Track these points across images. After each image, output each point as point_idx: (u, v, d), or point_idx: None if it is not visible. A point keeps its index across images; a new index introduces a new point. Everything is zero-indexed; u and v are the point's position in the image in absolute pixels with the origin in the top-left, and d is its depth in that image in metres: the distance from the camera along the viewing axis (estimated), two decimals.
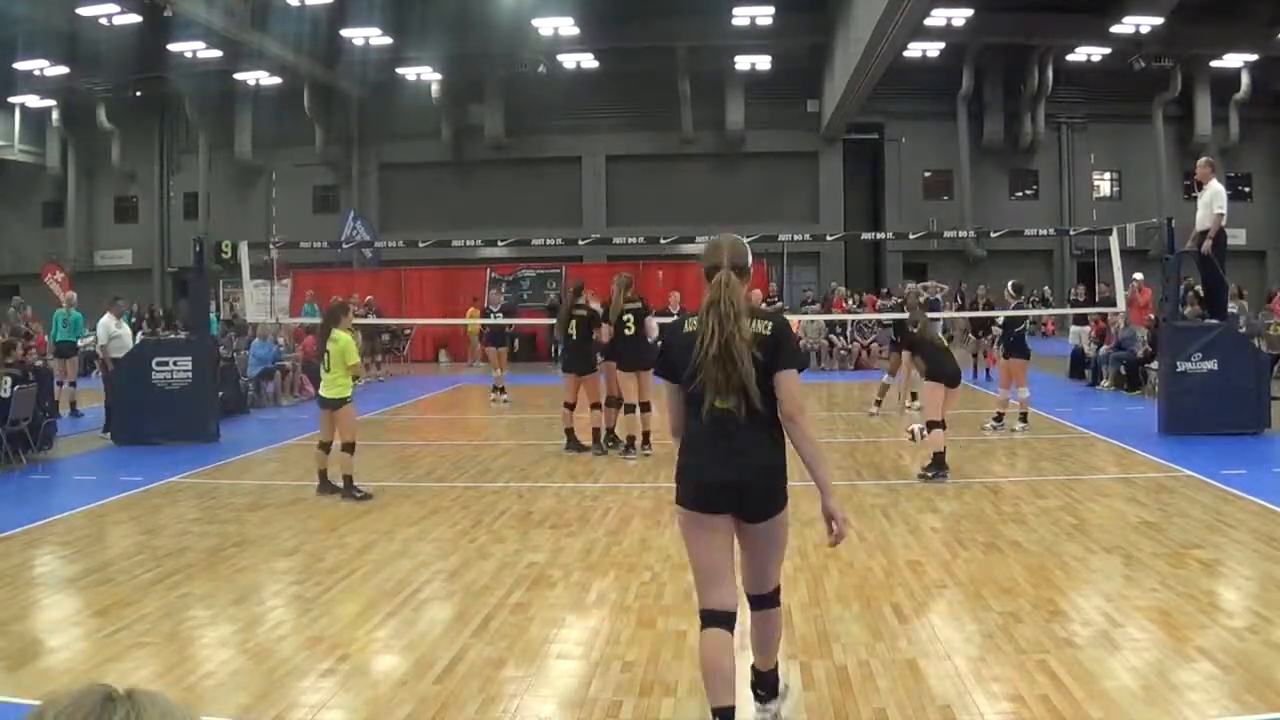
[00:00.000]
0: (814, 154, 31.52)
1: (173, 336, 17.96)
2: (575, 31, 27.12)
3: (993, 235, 20.41)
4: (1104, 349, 16.77)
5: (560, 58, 29.24)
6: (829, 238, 23.61)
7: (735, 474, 3.55)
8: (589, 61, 29.52)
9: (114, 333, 13.68)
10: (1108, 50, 28.20)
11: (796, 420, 3.57)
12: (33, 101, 31.36)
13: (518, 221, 27.31)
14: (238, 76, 29.13)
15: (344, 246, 26.01)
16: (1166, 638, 4.83)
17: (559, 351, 13.11)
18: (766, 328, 3.59)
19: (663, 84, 30.00)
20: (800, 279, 30.18)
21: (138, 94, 31.20)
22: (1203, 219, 11.65)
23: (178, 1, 21.87)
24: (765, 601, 3.82)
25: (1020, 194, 32.39)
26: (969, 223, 28.72)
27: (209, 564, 6.58)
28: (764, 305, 10.89)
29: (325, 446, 8.81)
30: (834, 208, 31.13)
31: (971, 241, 29.20)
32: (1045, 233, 23.82)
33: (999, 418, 12.08)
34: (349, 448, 8.63)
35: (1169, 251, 12.16)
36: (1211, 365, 11.16)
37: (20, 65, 27.50)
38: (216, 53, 26.30)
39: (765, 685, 4.00)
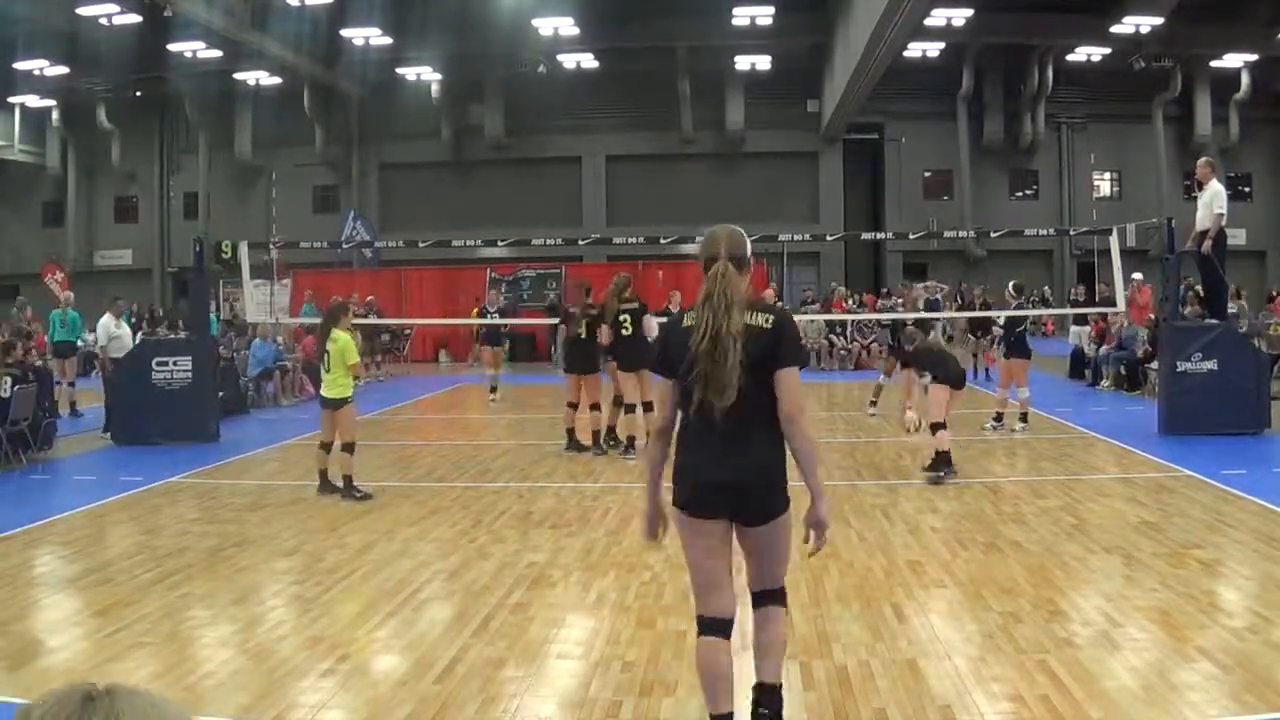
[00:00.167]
0: (814, 154, 31.52)
1: (173, 336, 17.95)
2: (575, 31, 27.12)
3: (993, 235, 20.42)
4: (1104, 349, 16.77)
5: (560, 58, 29.24)
6: (829, 238, 23.61)
7: (732, 474, 3.41)
8: (589, 61, 29.51)
9: (114, 333, 13.69)
10: (1108, 50, 28.19)
11: (796, 421, 3.42)
12: (33, 101, 31.36)
13: (518, 221, 27.30)
14: (238, 76, 29.13)
15: (344, 246, 26.01)
16: (1166, 638, 4.83)
17: (558, 351, 13.10)
18: (767, 321, 3.45)
19: (663, 84, 30.00)
20: (800, 279, 30.18)
21: (138, 94, 31.20)
22: (1203, 219, 11.65)
23: (178, 1, 21.87)
24: (769, 598, 3.64)
25: (1020, 194, 32.39)
26: (969, 223, 28.72)
27: (209, 564, 6.58)
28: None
29: (326, 446, 8.81)
30: (834, 208, 31.13)
31: (971, 241, 29.19)
32: (1045, 233, 23.83)
33: (999, 417, 12.08)
34: (349, 448, 8.62)
35: (1169, 251, 12.16)
36: (1211, 365, 11.16)
37: (20, 65, 27.49)
38: (216, 53, 26.30)
39: (769, 705, 3.65)
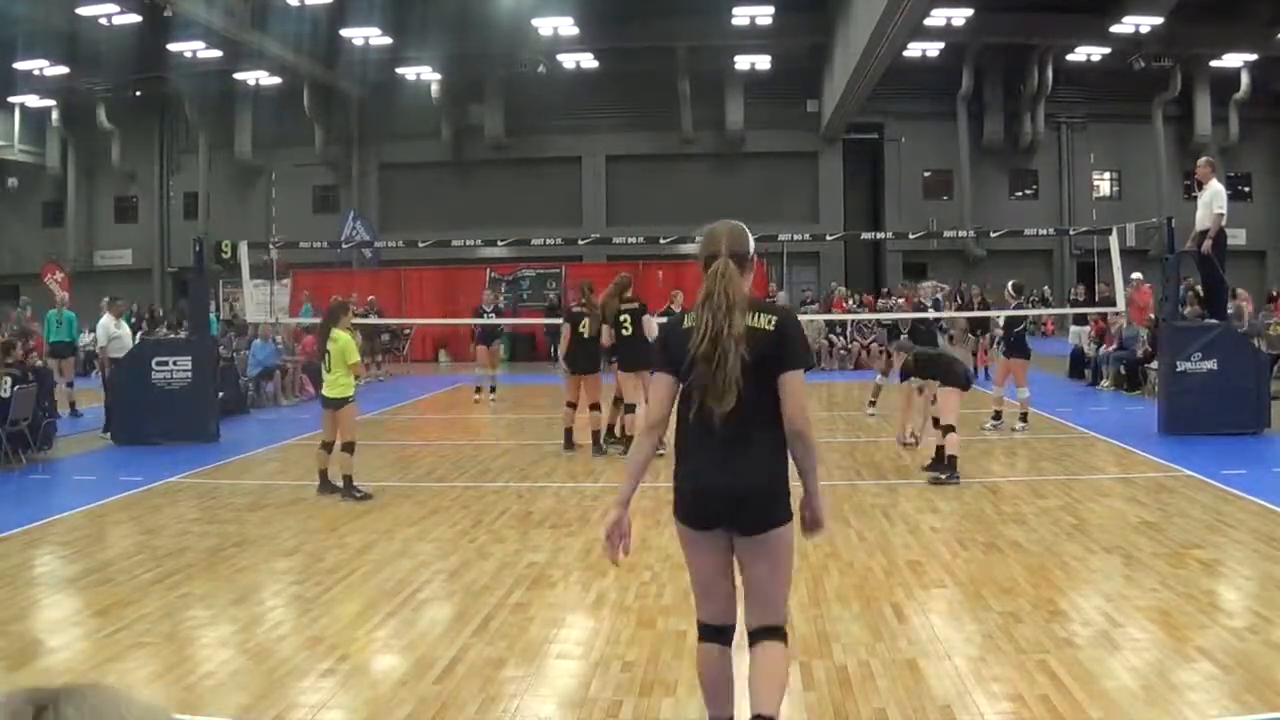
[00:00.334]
0: (814, 154, 31.52)
1: (172, 336, 17.95)
2: (575, 31, 27.11)
3: (992, 235, 20.41)
4: (1104, 349, 16.77)
5: (560, 58, 29.24)
6: (829, 237, 23.61)
7: (730, 481, 3.25)
8: (589, 61, 29.51)
9: (114, 333, 13.69)
10: (1107, 50, 28.19)
11: (801, 428, 3.28)
12: (33, 101, 31.35)
13: (518, 221, 27.28)
14: (238, 76, 29.13)
15: (344, 246, 26.01)
16: (1166, 638, 4.83)
17: (557, 351, 13.09)
18: (770, 322, 3.29)
19: (662, 84, 29.99)
20: (800, 279, 30.19)
21: (138, 94, 31.18)
22: (1203, 219, 11.66)
23: (178, 1, 21.87)
24: (767, 633, 3.36)
25: (1020, 194, 32.39)
26: (969, 222, 28.71)
27: (209, 564, 6.58)
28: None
29: (327, 446, 8.80)
30: (834, 207, 31.12)
31: (971, 241, 29.19)
32: (1045, 233, 23.81)
33: (997, 416, 12.09)
34: (349, 448, 8.62)
35: (1169, 251, 12.17)
36: (1211, 365, 11.17)
37: (20, 65, 27.49)
38: (216, 53, 26.29)
39: None
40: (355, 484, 8.62)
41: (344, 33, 27.06)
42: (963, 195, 30.75)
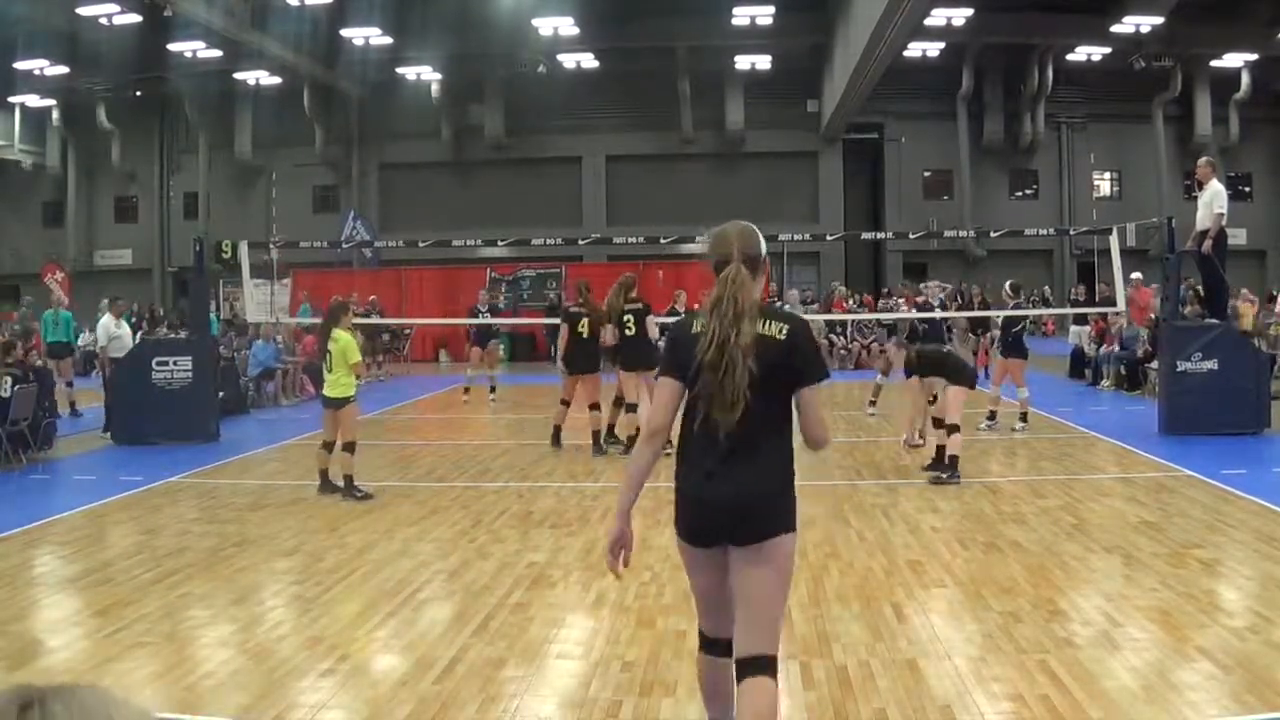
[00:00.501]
0: (814, 154, 31.52)
1: (172, 336, 17.95)
2: (575, 31, 27.11)
3: (993, 235, 20.41)
4: (1104, 349, 16.77)
5: (560, 57, 29.23)
6: (829, 237, 23.61)
7: (734, 491, 3.13)
8: (589, 61, 29.51)
9: (114, 333, 13.68)
10: (1108, 50, 28.19)
11: (821, 442, 3.22)
12: (33, 101, 31.35)
13: (518, 221, 27.28)
14: (238, 76, 29.13)
15: (344, 246, 26.01)
16: (1167, 637, 4.83)
17: (557, 351, 13.08)
18: (780, 331, 3.16)
19: (663, 84, 29.99)
20: (800, 279, 30.17)
21: (138, 94, 31.19)
22: (1203, 219, 11.66)
23: (178, 1, 21.87)
24: (756, 666, 3.15)
25: (1020, 194, 32.40)
26: (969, 222, 28.71)
27: (209, 564, 6.58)
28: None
29: (328, 446, 8.80)
30: (834, 207, 31.12)
31: (971, 241, 29.20)
32: (1045, 232, 23.81)
33: (992, 416, 12.08)
34: (349, 447, 8.62)
35: (1169, 251, 12.16)
36: (1211, 365, 11.16)
37: (20, 65, 27.48)
38: (216, 52, 26.29)
39: None
40: (356, 484, 8.62)
41: (344, 32, 27.06)
42: (963, 195, 30.75)
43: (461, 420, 14.91)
